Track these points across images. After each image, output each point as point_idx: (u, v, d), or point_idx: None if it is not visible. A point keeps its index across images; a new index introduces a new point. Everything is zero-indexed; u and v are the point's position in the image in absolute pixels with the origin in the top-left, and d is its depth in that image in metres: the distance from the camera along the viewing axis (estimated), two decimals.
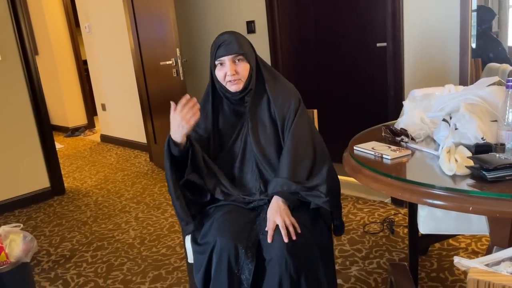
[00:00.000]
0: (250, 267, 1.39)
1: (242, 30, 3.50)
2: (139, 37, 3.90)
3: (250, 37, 3.46)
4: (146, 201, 3.31)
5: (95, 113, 5.90)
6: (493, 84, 1.40)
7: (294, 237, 1.39)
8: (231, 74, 1.55)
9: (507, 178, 1.09)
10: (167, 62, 3.38)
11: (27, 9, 5.86)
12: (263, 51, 3.39)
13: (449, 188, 1.11)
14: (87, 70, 5.71)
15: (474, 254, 2.13)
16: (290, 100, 1.63)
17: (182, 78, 3.34)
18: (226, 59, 1.56)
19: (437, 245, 2.23)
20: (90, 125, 6.41)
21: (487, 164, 1.10)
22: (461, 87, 1.77)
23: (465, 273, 1.13)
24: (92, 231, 2.88)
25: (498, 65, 2.31)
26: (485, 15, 2.31)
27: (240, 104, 1.63)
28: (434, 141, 1.46)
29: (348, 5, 2.99)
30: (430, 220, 1.72)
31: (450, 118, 1.39)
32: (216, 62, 1.58)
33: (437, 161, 1.25)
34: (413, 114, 1.57)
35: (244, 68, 1.57)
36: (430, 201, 1.11)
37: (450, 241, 2.25)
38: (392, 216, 2.60)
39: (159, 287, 2.15)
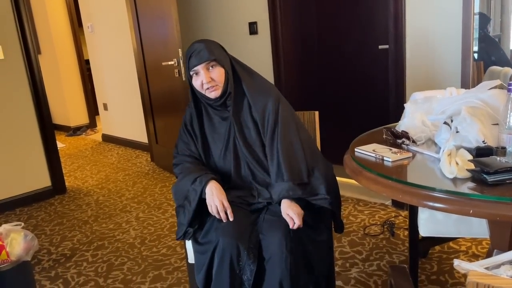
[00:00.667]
0: (252, 267, 1.40)
1: (244, 31, 3.50)
2: (142, 37, 3.91)
3: (252, 39, 3.47)
4: (147, 201, 3.31)
5: (97, 113, 5.91)
6: (495, 87, 1.40)
7: (297, 226, 1.43)
8: (207, 81, 1.56)
9: (507, 181, 1.09)
10: (169, 63, 3.38)
11: (30, 8, 5.87)
12: (265, 53, 3.40)
13: (449, 191, 1.11)
14: (89, 69, 5.72)
15: (475, 257, 2.13)
16: (267, 100, 1.62)
17: (184, 79, 3.35)
18: (200, 68, 1.56)
19: (437, 247, 2.23)
20: (92, 124, 6.42)
21: (488, 167, 1.10)
22: (463, 90, 1.77)
23: (465, 276, 1.13)
24: (92, 230, 2.88)
25: (500, 68, 2.31)
26: (480, 20, 2.32)
27: (224, 109, 1.64)
28: (435, 144, 1.47)
29: (351, 7, 2.99)
30: (430, 223, 1.72)
31: (452, 121, 1.39)
32: (191, 73, 1.59)
33: (438, 164, 1.25)
34: (415, 116, 1.58)
35: (219, 74, 1.57)
36: (431, 204, 1.11)
37: (451, 244, 2.25)
38: (392, 219, 2.60)
39: (159, 287, 2.15)
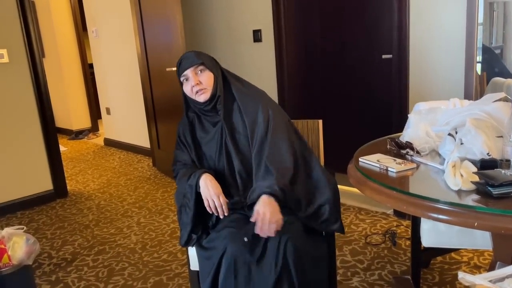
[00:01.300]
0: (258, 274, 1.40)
1: (249, 38, 3.52)
2: (146, 42, 3.93)
3: (256, 46, 3.49)
4: (149, 206, 3.31)
5: (99, 117, 5.92)
6: (499, 100, 1.41)
7: (273, 235, 1.39)
8: (195, 84, 1.59)
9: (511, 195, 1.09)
10: (173, 69, 3.39)
11: (35, 12, 5.91)
12: (269, 60, 3.41)
13: (454, 203, 1.11)
14: (92, 73, 5.74)
15: (476, 268, 2.13)
16: (257, 108, 1.62)
17: None
18: (189, 72, 1.60)
19: (439, 258, 2.23)
20: (94, 128, 6.43)
21: (492, 180, 1.10)
22: (466, 101, 1.78)
23: None
24: (94, 235, 2.88)
25: (503, 79, 2.32)
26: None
27: (215, 114, 1.66)
28: (439, 155, 1.47)
29: (355, 16, 3.01)
30: (433, 233, 1.72)
31: (456, 132, 1.39)
32: (182, 79, 1.63)
33: (442, 175, 1.26)
34: (418, 127, 1.58)
35: (207, 77, 1.61)
36: (435, 215, 1.11)
37: (452, 254, 2.25)
38: (394, 228, 2.60)
39: None
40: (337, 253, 2.34)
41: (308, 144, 1.73)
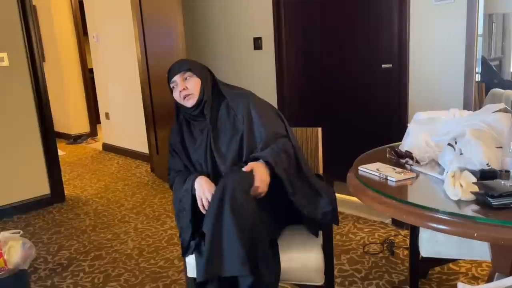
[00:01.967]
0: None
1: (249, 46, 3.53)
2: (147, 48, 3.94)
3: (257, 54, 3.50)
4: (146, 212, 3.30)
5: (98, 122, 5.92)
6: (499, 110, 1.41)
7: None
8: (182, 89, 1.66)
9: (511, 205, 1.09)
10: None
11: (36, 16, 5.92)
12: (269, 68, 3.42)
13: (453, 213, 1.11)
14: (92, 78, 5.75)
15: (475, 279, 2.12)
16: (248, 103, 1.69)
17: None
18: (177, 78, 1.69)
19: (437, 268, 2.22)
20: (93, 133, 6.42)
21: (492, 190, 1.10)
22: (466, 111, 1.78)
23: None
24: (90, 240, 2.86)
25: (502, 91, 2.33)
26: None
27: (203, 120, 1.72)
28: (439, 164, 1.47)
29: (355, 26, 3.02)
30: (431, 244, 1.72)
31: (456, 142, 1.39)
32: (171, 85, 1.72)
33: (442, 185, 1.26)
34: (418, 137, 1.58)
35: (194, 83, 1.68)
36: (434, 225, 1.11)
37: (451, 265, 2.24)
38: (392, 237, 2.59)
39: None
40: (335, 262, 2.33)
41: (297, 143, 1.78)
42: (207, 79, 1.72)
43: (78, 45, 6.15)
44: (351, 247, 2.53)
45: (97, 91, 5.55)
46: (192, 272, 1.61)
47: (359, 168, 1.50)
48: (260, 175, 1.50)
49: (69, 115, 6.27)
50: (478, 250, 1.63)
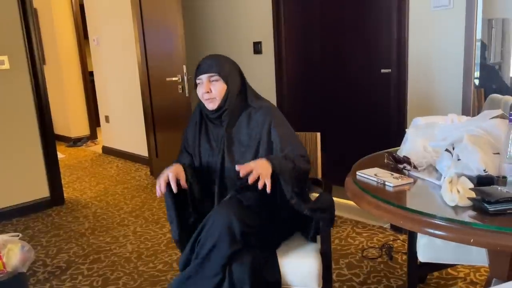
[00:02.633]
0: None
1: (249, 50, 3.54)
2: (147, 52, 3.95)
3: (256, 58, 3.51)
4: (145, 215, 3.30)
5: (98, 125, 5.93)
6: (496, 116, 1.42)
7: (262, 186, 1.45)
8: (205, 91, 1.65)
9: (508, 211, 1.10)
10: (173, 78, 3.42)
11: (37, 19, 5.94)
12: (269, 72, 3.43)
13: (450, 219, 1.11)
14: (93, 81, 5.76)
15: (473, 284, 2.12)
16: (266, 118, 1.68)
17: (187, 95, 3.38)
18: (203, 77, 1.66)
19: (435, 273, 2.22)
20: (93, 136, 6.43)
21: (489, 196, 1.11)
22: (464, 117, 1.79)
23: None
24: (89, 243, 2.86)
25: (500, 96, 2.33)
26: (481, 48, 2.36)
27: (219, 125, 1.71)
28: (436, 170, 1.48)
29: (355, 31, 3.03)
30: (429, 249, 1.72)
31: (453, 148, 1.40)
32: (197, 81, 1.69)
33: (439, 190, 1.26)
34: (416, 142, 1.59)
35: (219, 88, 1.65)
36: (431, 231, 1.11)
37: (449, 270, 2.24)
38: (391, 242, 2.59)
39: None
40: (333, 266, 2.33)
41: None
42: (234, 86, 1.68)
43: (78, 48, 6.17)
44: (349, 251, 2.53)
45: (97, 94, 5.56)
46: None
47: (357, 173, 1.51)
48: (261, 164, 1.49)
49: (69, 117, 6.28)
50: (476, 256, 1.64)
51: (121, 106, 5.02)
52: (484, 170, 1.26)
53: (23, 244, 2.08)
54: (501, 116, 1.41)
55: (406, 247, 2.44)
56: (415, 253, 1.78)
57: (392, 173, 1.47)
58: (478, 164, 1.27)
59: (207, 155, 1.72)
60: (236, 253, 1.43)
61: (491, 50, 2.40)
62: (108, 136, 5.48)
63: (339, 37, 3.15)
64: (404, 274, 2.25)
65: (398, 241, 2.60)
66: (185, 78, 3.30)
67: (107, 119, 5.39)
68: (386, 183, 1.39)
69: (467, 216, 1.13)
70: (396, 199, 1.30)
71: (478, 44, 2.32)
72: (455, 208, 1.17)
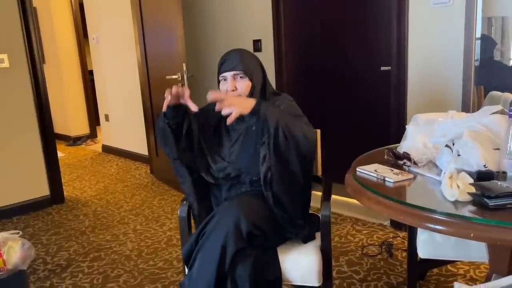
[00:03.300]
0: None
1: (249, 48, 3.54)
2: (147, 50, 3.95)
3: (256, 55, 3.50)
4: (145, 213, 3.30)
5: (98, 123, 5.92)
6: (496, 112, 1.42)
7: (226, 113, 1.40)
8: (230, 89, 1.63)
9: (508, 206, 1.10)
10: (173, 76, 3.41)
11: (36, 18, 5.93)
12: (269, 70, 3.42)
13: (450, 213, 1.12)
14: (92, 80, 5.76)
15: (472, 281, 2.12)
16: (282, 103, 1.70)
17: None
18: (228, 75, 1.64)
19: (435, 270, 2.22)
20: (92, 135, 6.42)
21: (489, 191, 1.11)
22: (464, 113, 1.79)
23: None
24: (89, 241, 2.87)
25: (500, 93, 2.34)
26: (487, 44, 2.35)
27: (240, 121, 1.65)
28: (436, 166, 1.48)
29: (354, 28, 3.03)
30: (429, 245, 1.72)
31: (453, 144, 1.40)
32: (220, 78, 1.68)
33: (439, 186, 1.26)
34: (416, 138, 1.59)
35: (244, 85, 1.64)
36: (432, 225, 1.11)
37: (449, 267, 2.25)
38: (390, 239, 2.59)
39: None
40: (333, 263, 2.33)
41: None
42: (257, 82, 1.67)
43: (78, 46, 6.16)
44: (349, 248, 2.54)
45: (96, 93, 5.55)
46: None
47: (357, 169, 1.51)
48: (243, 98, 1.51)
49: (69, 116, 6.28)
50: (476, 252, 1.64)
51: (121, 104, 5.02)
52: (484, 166, 1.26)
53: (23, 242, 2.08)
54: (501, 112, 1.41)
55: (405, 244, 2.44)
56: (415, 249, 1.78)
57: (392, 169, 1.47)
58: (478, 159, 1.27)
59: (226, 148, 1.70)
60: (240, 251, 1.43)
61: (497, 47, 2.39)
62: (108, 134, 5.48)
63: (339, 35, 3.15)
64: (404, 271, 2.25)
65: (398, 238, 2.60)
66: (185, 76, 3.30)
67: (107, 117, 5.39)
68: (386, 178, 1.39)
69: (467, 211, 1.14)
70: (396, 195, 1.30)
71: (478, 42, 2.32)
72: (455, 203, 1.17)
